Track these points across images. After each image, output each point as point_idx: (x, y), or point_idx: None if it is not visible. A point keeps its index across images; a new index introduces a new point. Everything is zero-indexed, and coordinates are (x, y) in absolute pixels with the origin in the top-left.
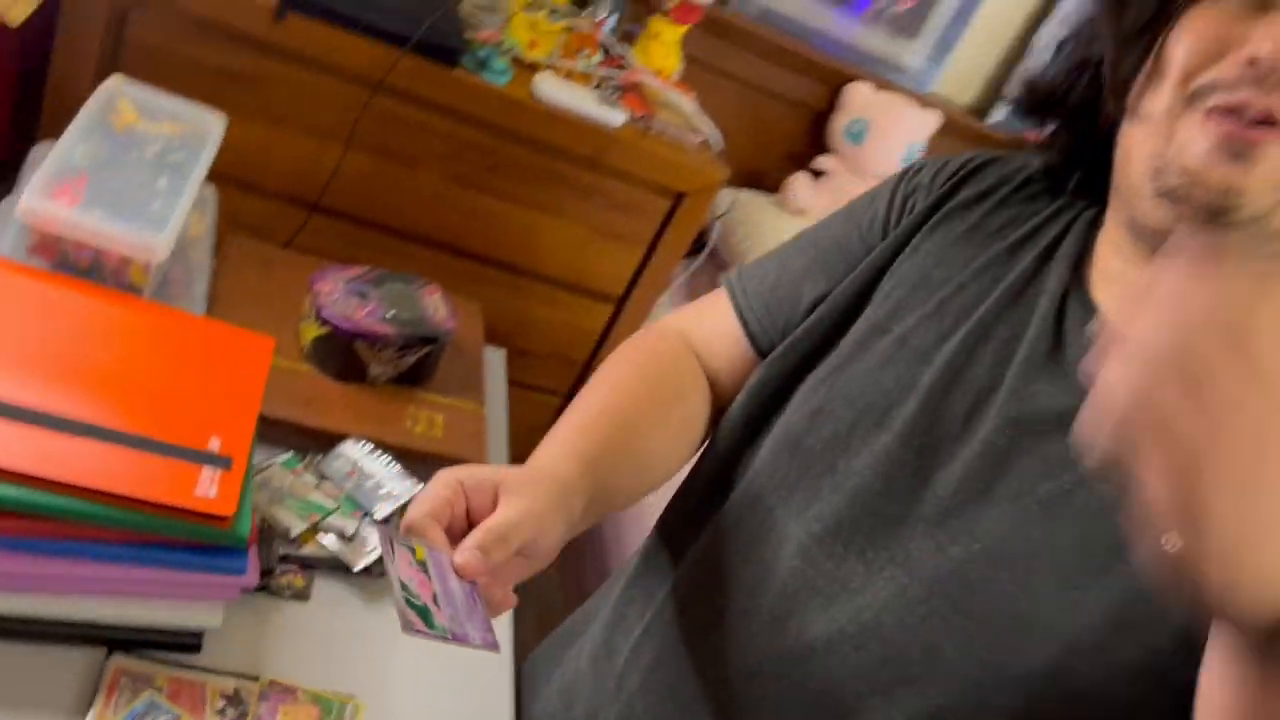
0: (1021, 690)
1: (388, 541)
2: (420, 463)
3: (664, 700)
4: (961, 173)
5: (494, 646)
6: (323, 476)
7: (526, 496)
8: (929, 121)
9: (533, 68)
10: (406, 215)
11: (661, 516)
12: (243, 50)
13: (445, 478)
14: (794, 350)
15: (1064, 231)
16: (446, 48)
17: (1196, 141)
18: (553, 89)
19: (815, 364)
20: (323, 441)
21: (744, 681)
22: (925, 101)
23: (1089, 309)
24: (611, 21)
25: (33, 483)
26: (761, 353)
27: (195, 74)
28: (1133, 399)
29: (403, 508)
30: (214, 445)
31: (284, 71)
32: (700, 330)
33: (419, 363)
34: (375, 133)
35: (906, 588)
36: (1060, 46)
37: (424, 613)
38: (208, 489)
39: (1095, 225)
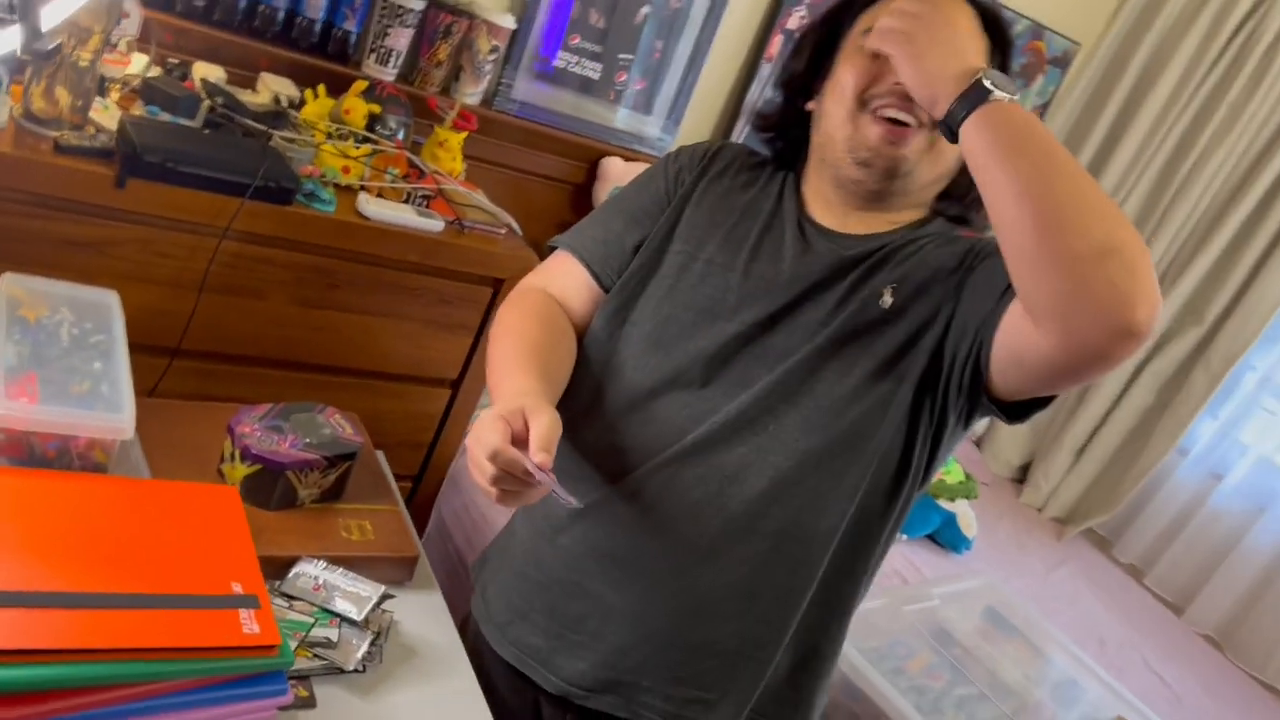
0: (835, 430)
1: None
2: (365, 566)
3: (599, 522)
4: (710, 154)
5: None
6: (290, 597)
7: (544, 409)
8: None
9: (350, 190)
10: (258, 343)
11: None
12: (86, 219)
13: (492, 417)
14: (633, 279)
15: (782, 187)
16: (283, 189)
17: (873, 133)
18: (378, 209)
19: (646, 289)
20: (274, 567)
21: (682, 469)
22: None
23: (815, 225)
24: (401, 134)
25: (102, 656)
26: (605, 288)
27: (40, 246)
28: (891, 21)
29: (376, 604)
30: (237, 589)
31: (129, 233)
32: (554, 284)
33: (339, 479)
34: (222, 274)
35: (756, 395)
36: (776, 85)
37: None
38: (251, 626)
39: (797, 184)
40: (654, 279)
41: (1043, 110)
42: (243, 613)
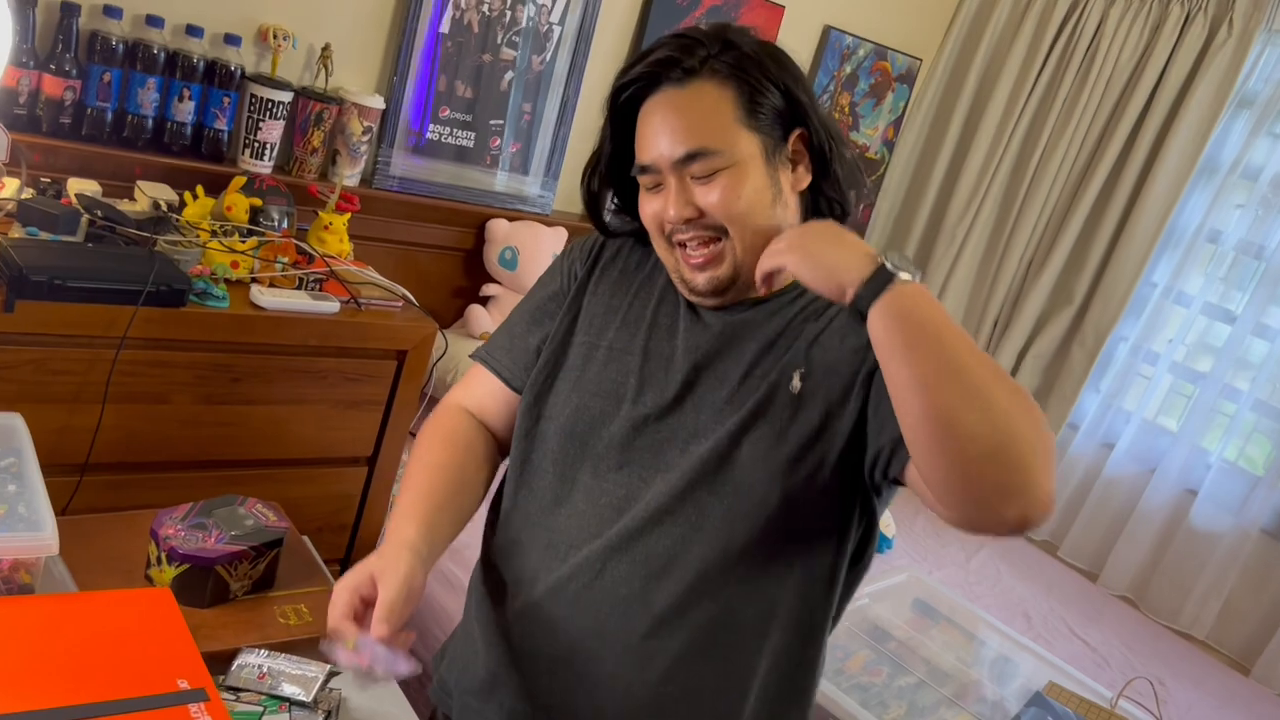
0: (759, 517)
1: (330, 652)
2: (307, 648)
3: (523, 629)
4: (600, 243)
5: (417, 669)
6: (237, 689)
7: (393, 574)
8: (559, 234)
9: (242, 284)
10: (167, 447)
11: (487, 520)
12: None
13: (341, 588)
14: (540, 375)
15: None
16: (174, 291)
17: (686, 265)
18: (272, 298)
19: (555, 383)
20: (216, 663)
21: (599, 568)
22: (550, 221)
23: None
24: (284, 223)
25: None
26: (519, 391)
27: None
28: (778, 243)
29: (324, 683)
30: (184, 685)
31: (23, 355)
32: (471, 397)
33: (269, 567)
34: (123, 383)
35: (673, 481)
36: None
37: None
38: (203, 719)
39: None
40: (561, 372)
41: (898, 124)
42: (193, 707)
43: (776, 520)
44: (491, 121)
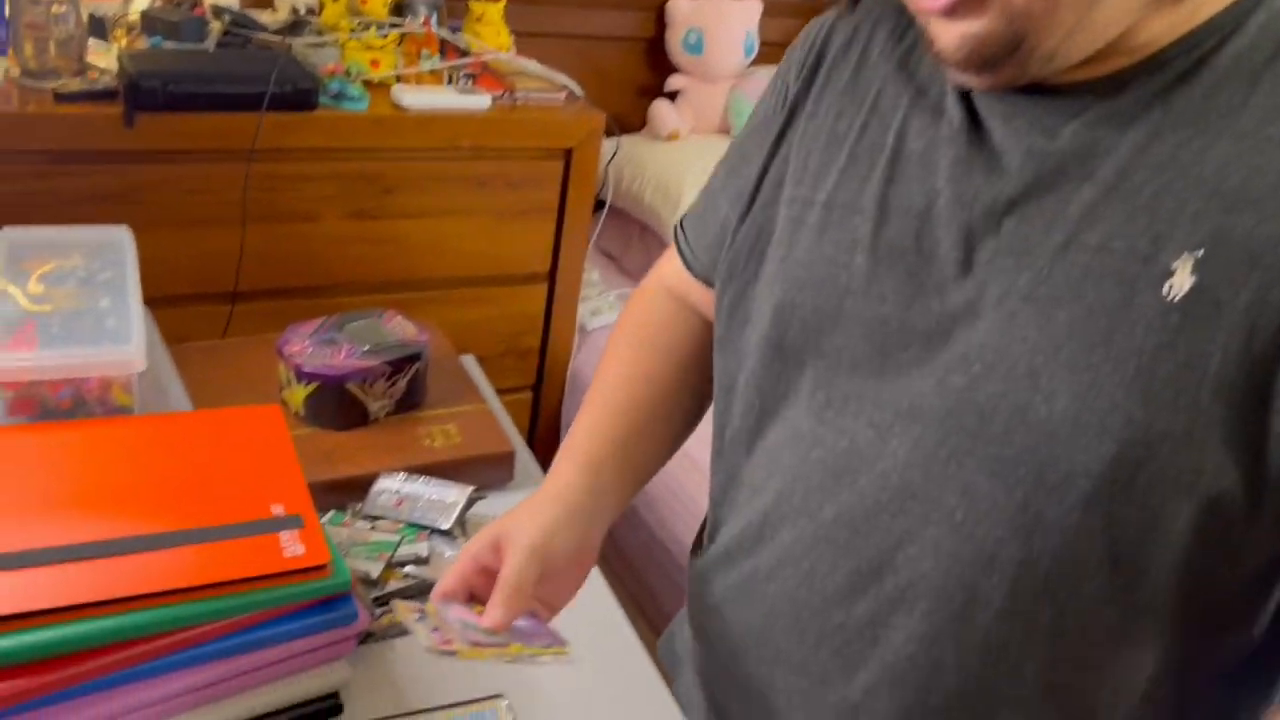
0: (1076, 500)
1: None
2: (454, 472)
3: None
4: (822, 34)
5: (563, 643)
6: (373, 518)
7: (524, 539)
8: (753, 8)
9: (383, 84)
10: (320, 269)
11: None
12: (103, 168)
13: (463, 555)
14: (736, 259)
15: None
16: (300, 91)
17: (928, 14)
18: (414, 96)
19: (762, 266)
20: (355, 490)
21: (795, 567)
22: None
23: (996, 93)
24: (434, 19)
25: (131, 605)
26: (705, 281)
27: (61, 206)
28: None
29: (465, 508)
30: (278, 511)
31: (153, 174)
32: (672, 275)
33: (410, 385)
34: (263, 200)
35: (921, 437)
36: None
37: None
38: (295, 548)
39: None
40: (769, 249)
41: None
42: (284, 535)
43: (1109, 534)
44: None
